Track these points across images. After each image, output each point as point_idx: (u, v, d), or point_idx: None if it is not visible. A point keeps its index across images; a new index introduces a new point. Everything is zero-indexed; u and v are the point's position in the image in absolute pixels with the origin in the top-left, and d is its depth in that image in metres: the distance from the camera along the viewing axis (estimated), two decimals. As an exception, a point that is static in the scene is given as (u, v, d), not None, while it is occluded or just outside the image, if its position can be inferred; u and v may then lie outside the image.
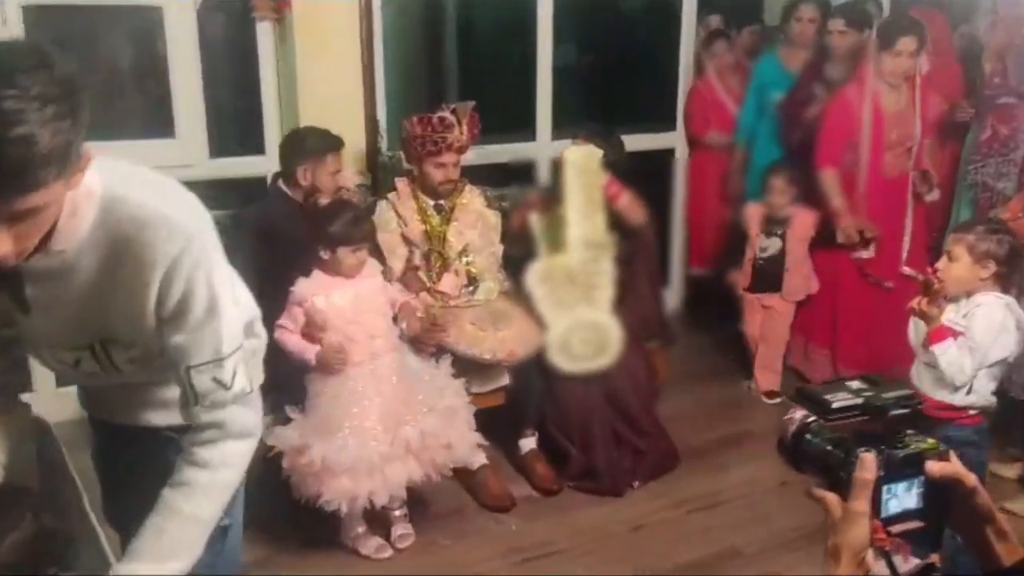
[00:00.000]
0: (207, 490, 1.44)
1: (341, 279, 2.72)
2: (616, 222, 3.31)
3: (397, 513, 2.90)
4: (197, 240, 1.34)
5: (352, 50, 3.59)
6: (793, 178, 3.79)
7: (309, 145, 3.05)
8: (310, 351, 2.68)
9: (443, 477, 2.86)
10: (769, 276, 3.85)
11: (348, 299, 2.72)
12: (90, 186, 1.26)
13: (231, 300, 1.42)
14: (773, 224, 3.82)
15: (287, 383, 2.83)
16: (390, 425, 2.69)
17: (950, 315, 2.52)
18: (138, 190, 1.33)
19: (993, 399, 2.56)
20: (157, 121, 3.56)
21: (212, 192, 3.56)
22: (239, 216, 3.18)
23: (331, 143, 3.10)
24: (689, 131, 4.75)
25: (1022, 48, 3.35)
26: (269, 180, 3.39)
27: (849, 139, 3.70)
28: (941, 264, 2.58)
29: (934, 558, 1.12)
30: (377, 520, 2.89)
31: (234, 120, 3.80)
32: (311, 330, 2.70)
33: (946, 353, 2.45)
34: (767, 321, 3.93)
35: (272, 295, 2.87)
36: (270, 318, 2.75)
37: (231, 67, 3.76)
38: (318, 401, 2.71)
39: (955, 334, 2.48)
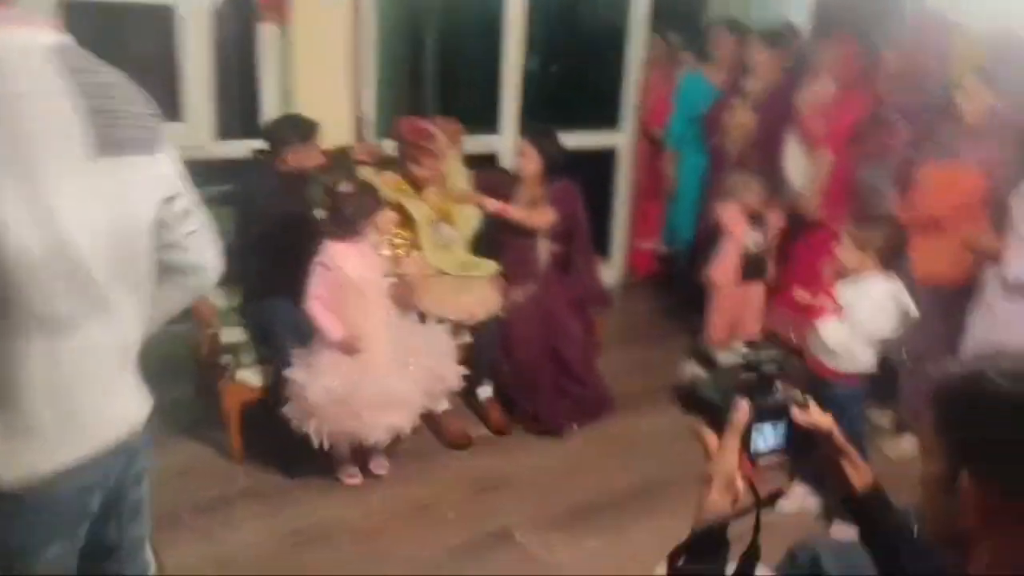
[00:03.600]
0: None
1: (355, 247, 2.73)
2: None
3: (380, 447, 2.94)
4: None
5: (343, 48, 3.55)
6: (762, 179, 3.65)
7: (298, 132, 3.02)
8: (336, 332, 2.69)
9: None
10: (757, 265, 3.65)
11: (364, 263, 2.75)
12: None
13: None
14: (755, 220, 3.63)
15: (272, 339, 2.87)
16: (398, 366, 2.77)
17: (841, 292, 2.57)
18: None
19: (871, 366, 2.60)
20: (168, 107, 3.51)
21: (217, 169, 3.57)
22: (240, 191, 3.14)
23: (314, 129, 3.07)
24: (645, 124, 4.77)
25: (912, 73, 3.38)
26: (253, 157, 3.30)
27: None
28: (836, 248, 2.65)
29: (783, 485, 1.18)
30: (355, 452, 2.93)
31: (238, 108, 3.75)
32: (338, 292, 2.70)
33: (828, 329, 2.52)
34: (748, 305, 3.66)
35: (272, 257, 2.90)
36: (278, 277, 2.80)
37: (237, 61, 3.71)
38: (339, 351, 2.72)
39: (840, 312, 2.53)
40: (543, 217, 3.39)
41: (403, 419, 2.78)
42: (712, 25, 4.47)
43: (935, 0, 3.75)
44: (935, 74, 3.35)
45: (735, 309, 3.69)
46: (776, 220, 3.67)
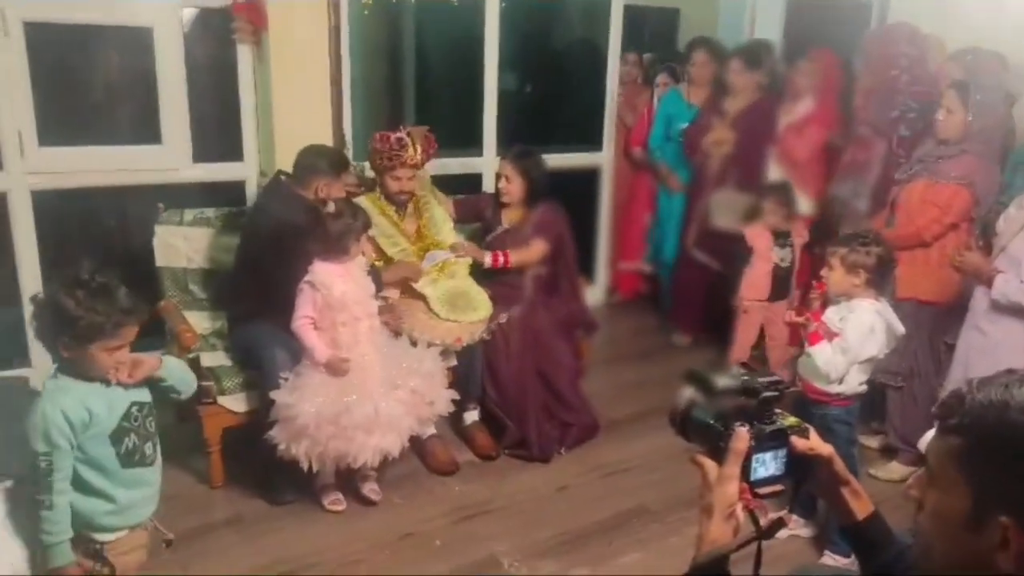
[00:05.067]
0: None
1: (342, 267, 2.71)
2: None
3: (372, 473, 2.90)
4: None
5: (321, 70, 3.52)
6: (783, 197, 3.71)
7: (326, 165, 2.99)
8: (323, 353, 2.66)
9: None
10: (784, 283, 3.71)
11: (351, 284, 2.72)
12: None
13: None
14: (781, 237, 3.70)
15: (260, 362, 2.81)
16: (388, 388, 2.73)
17: (831, 315, 2.54)
18: None
19: (862, 388, 2.58)
20: (145, 128, 3.46)
21: (194, 192, 3.53)
22: (257, 209, 3.15)
23: (343, 163, 3.08)
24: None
25: (885, 88, 3.42)
26: (271, 178, 3.23)
27: None
28: (824, 272, 2.61)
29: (783, 513, 1.15)
30: (342, 478, 2.88)
31: (216, 130, 3.71)
32: (327, 312, 2.67)
33: (822, 353, 2.49)
34: (772, 324, 3.70)
35: (265, 279, 2.86)
36: (281, 301, 2.76)
37: (214, 82, 3.68)
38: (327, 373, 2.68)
39: (831, 335, 2.50)
40: (538, 251, 3.38)
41: (392, 442, 2.73)
42: (690, 45, 4.51)
43: (903, 13, 3.81)
44: (908, 88, 3.38)
45: (758, 328, 3.72)
46: (802, 235, 3.71)
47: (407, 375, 2.80)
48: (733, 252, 4.04)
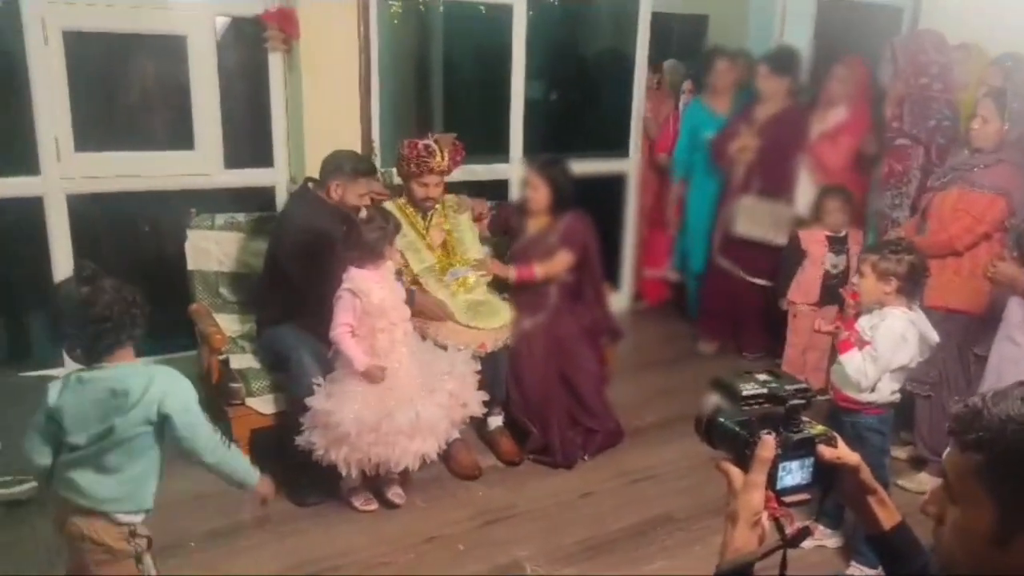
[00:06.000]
0: None
1: (378, 273, 2.74)
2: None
3: (396, 476, 2.91)
4: None
5: (351, 78, 3.57)
6: (846, 200, 3.67)
7: (345, 167, 3.01)
8: (363, 362, 2.67)
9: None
10: (835, 289, 3.60)
11: (387, 290, 2.74)
12: None
13: None
14: (837, 243, 3.67)
15: (290, 366, 2.84)
16: (426, 392, 2.76)
17: (863, 323, 2.52)
18: None
19: (895, 396, 2.55)
20: (178, 134, 3.52)
21: (225, 197, 3.58)
22: (285, 215, 3.20)
23: (363, 168, 3.06)
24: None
25: (917, 96, 3.39)
26: (299, 184, 3.28)
27: None
28: (855, 279, 2.60)
29: (810, 522, 1.14)
30: (367, 481, 2.90)
31: (247, 136, 3.76)
32: (365, 319, 2.69)
33: (852, 361, 2.47)
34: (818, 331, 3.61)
35: (294, 284, 2.90)
36: (307, 305, 2.81)
37: (246, 90, 3.73)
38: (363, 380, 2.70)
39: (862, 344, 2.48)
40: (563, 262, 3.37)
41: (431, 446, 2.76)
42: (709, 54, 4.49)
43: (933, 21, 3.77)
44: (942, 96, 3.34)
45: (808, 334, 3.68)
46: (858, 243, 3.66)
47: (442, 378, 2.82)
48: (759, 259, 4.03)
